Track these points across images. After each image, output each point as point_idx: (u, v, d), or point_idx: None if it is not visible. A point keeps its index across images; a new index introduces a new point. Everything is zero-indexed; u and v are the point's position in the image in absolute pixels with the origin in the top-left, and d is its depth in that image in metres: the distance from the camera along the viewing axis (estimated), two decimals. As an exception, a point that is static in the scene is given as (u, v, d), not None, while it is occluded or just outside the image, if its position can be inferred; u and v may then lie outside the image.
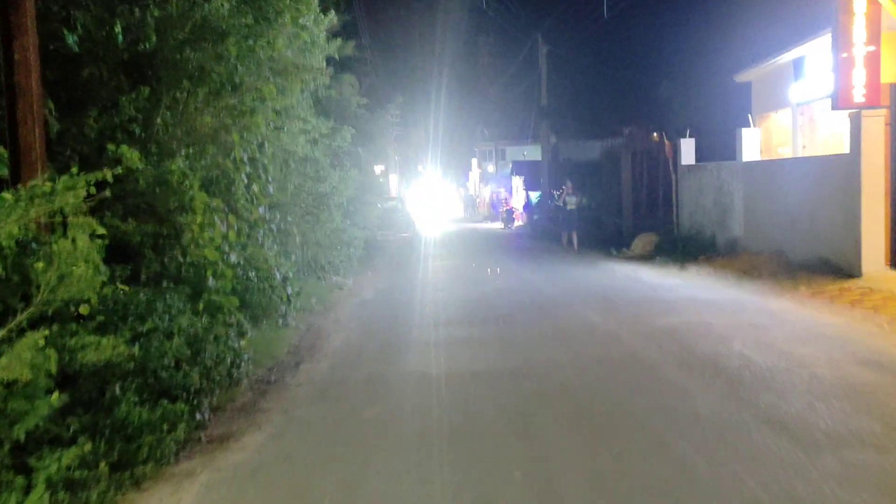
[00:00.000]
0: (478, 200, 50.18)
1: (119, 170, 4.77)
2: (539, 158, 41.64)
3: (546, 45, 29.12)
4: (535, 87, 32.83)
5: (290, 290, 8.56)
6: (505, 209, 38.86)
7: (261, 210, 7.82)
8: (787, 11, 14.98)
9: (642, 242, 19.14)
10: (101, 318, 5.00)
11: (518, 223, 37.95)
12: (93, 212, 4.57)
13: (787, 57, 14.08)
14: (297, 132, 12.28)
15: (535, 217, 35.39)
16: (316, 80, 11.04)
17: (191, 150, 7.22)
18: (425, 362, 7.06)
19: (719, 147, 19.79)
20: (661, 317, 8.80)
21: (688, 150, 17.55)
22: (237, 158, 7.35)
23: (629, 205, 24.70)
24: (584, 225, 28.86)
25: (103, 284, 4.60)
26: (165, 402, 4.85)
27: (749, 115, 15.38)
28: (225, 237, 6.68)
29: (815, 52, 12.98)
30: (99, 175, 4.43)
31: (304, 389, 6.26)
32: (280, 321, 8.47)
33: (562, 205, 19.51)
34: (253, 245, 7.86)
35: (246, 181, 7.48)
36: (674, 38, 24.91)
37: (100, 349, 4.36)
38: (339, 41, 17.14)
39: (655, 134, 20.94)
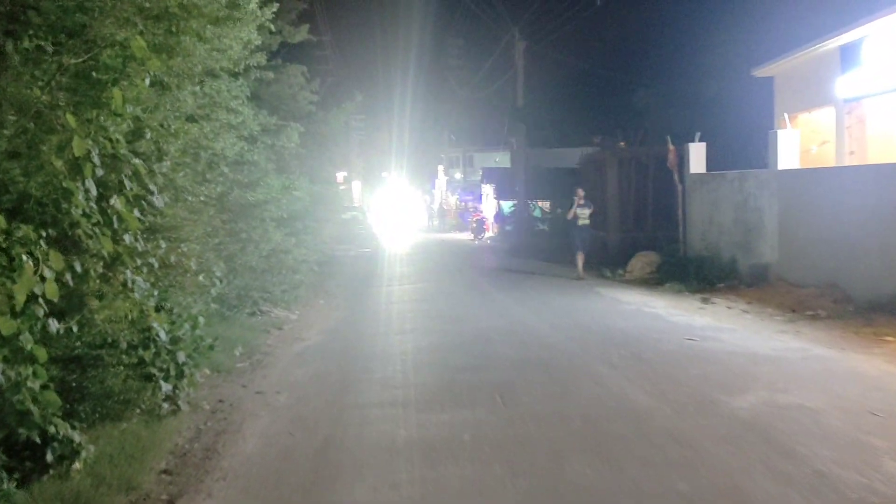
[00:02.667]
0: (445, 209, 47.45)
1: None
2: (509, 165, 39.15)
3: (523, 39, 26.50)
4: (509, 87, 30.22)
5: (181, 358, 5.62)
6: (475, 219, 36.20)
7: (127, 238, 4.89)
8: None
9: (640, 263, 16.56)
10: None
11: (489, 234, 35.31)
12: None
13: (832, 44, 11.57)
14: (223, 126, 9.38)
15: (508, 228, 32.77)
16: (242, 48, 8.16)
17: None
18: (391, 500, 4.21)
19: (733, 153, 17.35)
20: (726, 392, 6.06)
21: (697, 156, 14.98)
22: (78, 156, 4.42)
23: (615, 218, 22.25)
24: (566, 238, 26.45)
25: None
26: None
27: (785, 115, 12.81)
28: (32, 298, 3.78)
29: (878, 36, 10.46)
30: None
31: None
32: (163, 407, 5.52)
33: (573, 218, 15.82)
34: (112, 294, 4.91)
35: (95, 192, 4.54)
36: (674, 30, 22.36)
37: None
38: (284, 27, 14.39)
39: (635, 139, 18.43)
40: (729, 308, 10.73)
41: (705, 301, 11.47)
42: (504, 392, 6.18)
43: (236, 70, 9.60)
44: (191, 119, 8.99)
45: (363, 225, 28.55)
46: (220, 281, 9.19)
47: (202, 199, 8.13)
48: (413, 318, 10.76)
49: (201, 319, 7.39)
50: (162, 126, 7.71)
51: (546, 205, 32.85)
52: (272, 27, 8.60)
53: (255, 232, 9.51)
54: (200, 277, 7.07)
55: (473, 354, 7.87)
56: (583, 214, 15.75)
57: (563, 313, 10.55)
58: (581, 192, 15.91)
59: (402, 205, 51.88)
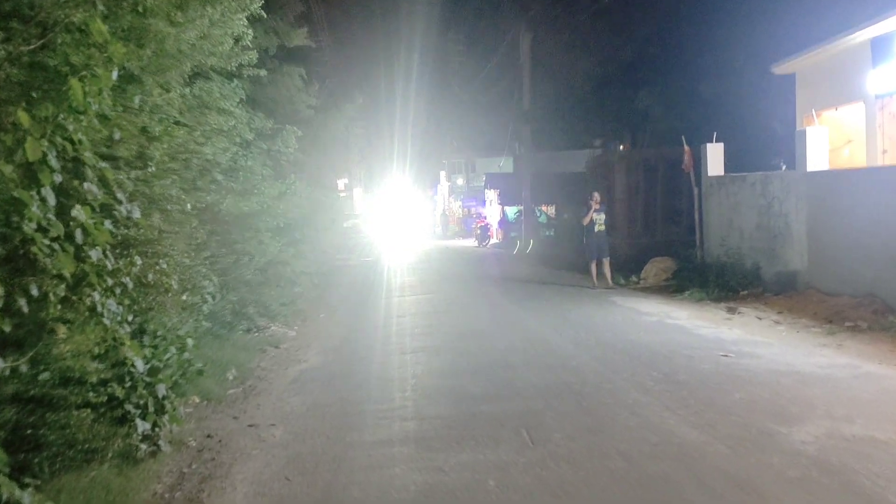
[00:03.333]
0: (448, 215, 46.79)
1: None
2: (511, 171, 38.40)
3: (529, 33, 25.78)
4: (512, 90, 29.54)
5: (161, 391, 4.89)
6: (479, 225, 35.55)
7: (94, 254, 4.17)
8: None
9: (655, 269, 15.87)
10: None
11: (493, 240, 34.61)
12: None
13: (861, 36, 10.87)
14: (213, 130, 8.70)
15: (513, 234, 32.04)
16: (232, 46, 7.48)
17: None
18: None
19: (747, 154, 16.63)
20: (782, 421, 5.33)
21: (715, 157, 14.25)
22: (32, 161, 3.72)
23: (624, 222, 21.57)
24: (571, 245, 25.67)
25: None
26: None
27: (812, 112, 12.09)
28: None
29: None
30: None
31: None
32: (140, 448, 4.79)
33: (589, 224, 14.72)
34: (78, 321, 4.19)
35: (54, 202, 3.83)
36: (680, 27, 21.51)
37: None
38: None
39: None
40: (759, 319, 10.00)
41: (731, 311, 10.74)
42: (531, 426, 5.43)
43: (229, 69, 8.93)
44: (178, 122, 8.33)
45: (365, 233, 27.81)
46: (213, 297, 8.50)
47: (188, 208, 7.41)
48: (421, 334, 10.03)
49: (190, 342, 6.71)
50: (145, 130, 7.05)
51: (551, 210, 32.17)
52: (263, 13, 7.89)
53: (250, 243, 8.78)
54: (184, 297, 6.34)
55: (493, 380, 7.13)
56: (599, 220, 14.87)
57: (582, 328, 9.81)
58: (597, 196, 15.06)
59: (404, 212, 51.19)
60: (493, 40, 33.54)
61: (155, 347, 5.77)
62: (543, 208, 31.15)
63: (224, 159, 9.06)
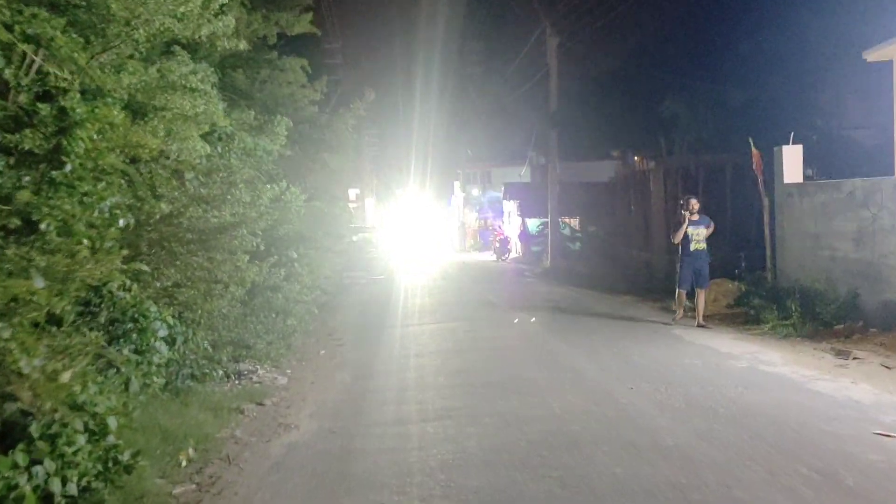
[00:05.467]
0: (466, 228, 44.71)
1: None
2: (529, 181, 36.15)
3: (555, 38, 23.65)
4: (534, 96, 27.46)
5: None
6: (498, 238, 33.37)
7: None
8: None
9: (713, 294, 13.56)
10: None
11: (513, 254, 32.43)
12: None
13: None
14: (178, 115, 6.60)
15: (535, 248, 29.84)
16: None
17: None
18: None
19: (828, 157, 14.39)
20: None
21: (792, 162, 11.96)
22: None
23: (661, 236, 19.38)
24: (602, 259, 23.36)
25: None
26: None
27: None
28: None
29: None
30: None
31: None
32: None
33: (683, 242, 11.10)
34: None
35: None
36: (717, 27, 19.39)
37: None
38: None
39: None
40: (888, 368, 7.69)
41: (841, 354, 8.42)
42: None
43: (195, 40, 6.78)
44: (126, 105, 6.21)
45: (377, 247, 25.61)
46: (170, 341, 6.32)
47: (128, 222, 5.24)
48: (447, 385, 7.78)
49: (112, 422, 4.53)
50: (62, 110, 4.92)
51: (575, 222, 30.01)
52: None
53: (222, 268, 6.59)
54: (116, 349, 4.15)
55: (555, 473, 4.86)
56: (697, 235, 11.09)
57: (657, 378, 7.53)
58: (694, 203, 11.16)
59: (418, 224, 49.07)
60: (514, 45, 31.55)
61: (27, 452, 3.59)
62: (566, 220, 29.00)
63: (195, 156, 6.92)
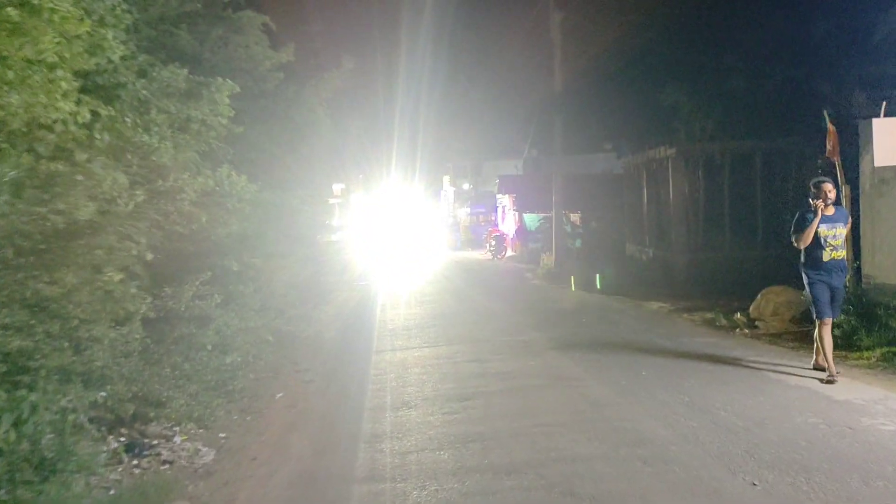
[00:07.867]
0: (458, 224, 42.15)
1: None
2: (521, 174, 33.58)
3: (559, 13, 21.04)
4: (529, 84, 25.10)
5: None
6: (493, 235, 30.87)
7: None
8: None
9: (772, 306, 11.22)
10: None
11: (510, 252, 29.85)
12: None
13: None
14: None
15: (534, 246, 27.32)
16: None
17: None
18: None
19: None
20: None
21: (888, 139, 9.33)
22: None
23: (681, 233, 16.97)
24: (608, 259, 20.81)
25: None
26: None
27: None
28: None
29: None
30: None
31: None
32: None
33: (814, 245, 7.19)
34: None
35: None
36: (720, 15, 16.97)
37: None
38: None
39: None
40: None
41: None
42: None
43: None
44: None
45: (358, 247, 22.87)
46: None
47: None
48: (450, 472, 5.09)
49: None
50: None
51: (576, 217, 27.52)
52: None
53: (77, 296, 3.88)
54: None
55: None
56: (834, 238, 7.24)
57: (785, 461, 4.85)
58: (828, 189, 7.25)
59: (406, 220, 46.29)
60: (509, 29, 29.07)
61: None
62: (567, 215, 26.60)
63: (55, 114, 4.21)
